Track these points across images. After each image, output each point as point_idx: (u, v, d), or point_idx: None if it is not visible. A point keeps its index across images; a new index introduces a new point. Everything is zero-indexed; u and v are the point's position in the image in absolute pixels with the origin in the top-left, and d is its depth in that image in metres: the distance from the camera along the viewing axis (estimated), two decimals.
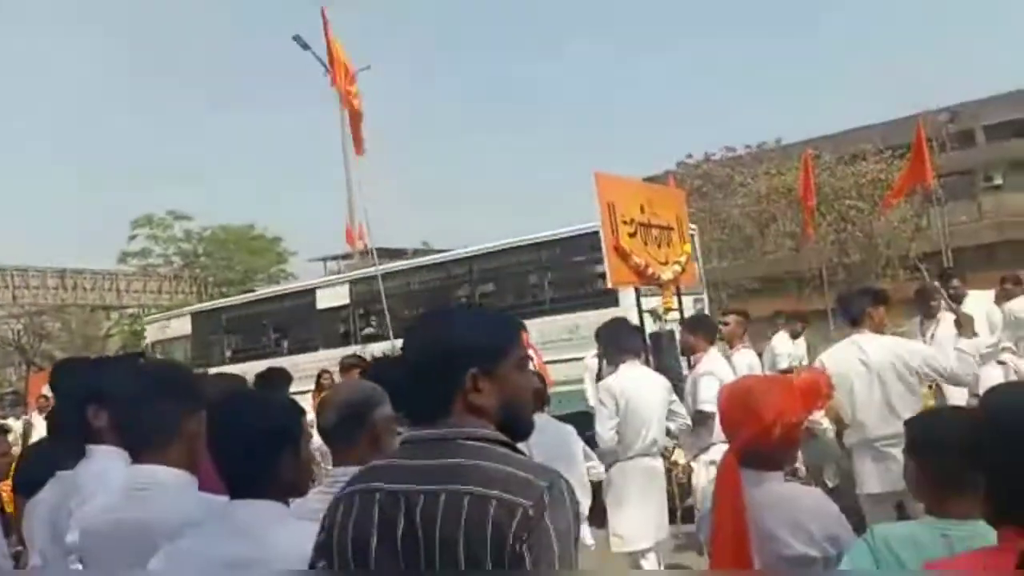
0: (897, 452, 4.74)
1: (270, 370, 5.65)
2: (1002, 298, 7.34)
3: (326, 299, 12.82)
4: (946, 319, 6.87)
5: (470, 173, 73.00)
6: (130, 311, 31.19)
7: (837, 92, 60.00)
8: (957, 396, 5.86)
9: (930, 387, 5.85)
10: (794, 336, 10.14)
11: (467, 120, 73.29)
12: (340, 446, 2.36)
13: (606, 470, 5.18)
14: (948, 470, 2.01)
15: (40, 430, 9.68)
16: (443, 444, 1.52)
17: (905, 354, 4.72)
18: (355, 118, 10.03)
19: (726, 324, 6.95)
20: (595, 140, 60.26)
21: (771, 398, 2.31)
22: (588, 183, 7.47)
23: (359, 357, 6.95)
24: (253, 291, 33.00)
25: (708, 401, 5.43)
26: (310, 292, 13.29)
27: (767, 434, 2.26)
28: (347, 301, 12.53)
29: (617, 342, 5.42)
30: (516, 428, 1.59)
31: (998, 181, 32.74)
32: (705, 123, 61.65)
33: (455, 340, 1.58)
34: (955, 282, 7.16)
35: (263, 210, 56.44)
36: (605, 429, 5.11)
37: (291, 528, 1.84)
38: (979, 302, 7.04)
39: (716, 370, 5.52)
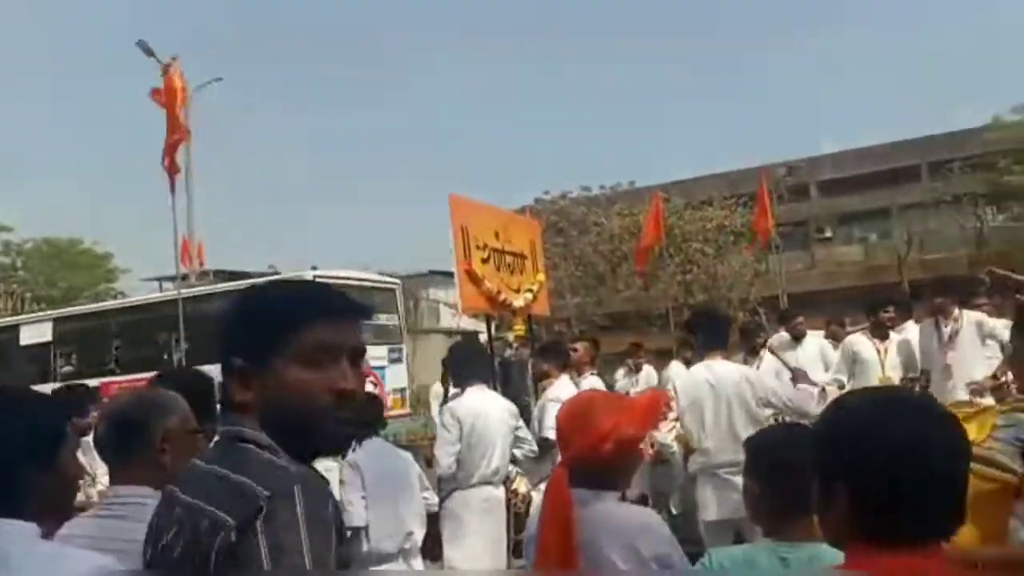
0: (738, 480, 4.82)
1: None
2: (830, 338, 7.89)
3: (29, 335, 12.38)
4: (767, 357, 7.19)
5: (320, 198, 71.46)
6: None
7: (689, 140, 63.11)
8: None
9: (776, 419, 6.01)
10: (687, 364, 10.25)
11: (324, 144, 71.96)
12: (115, 462, 2.04)
13: (443, 499, 4.95)
14: (790, 491, 1.93)
15: None
16: (218, 446, 1.32)
17: (753, 382, 4.77)
18: (174, 142, 9.57)
19: (575, 351, 6.92)
20: (452, 172, 60.52)
21: (608, 411, 2.19)
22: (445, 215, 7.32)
23: None
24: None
25: (554, 427, 5.33)
26: (13, 328, 12.90)
27: (600, 448, 2.12)
28: (49, 338, 12.10)
29: (463, 366, 5.26)
30: (301, 435, 1.34)
31: (828, 233, 35.19)
32: (562, 162, 63.23)
33: (227, 327, 1.38)
34: (798, 320, 7.56)
35: (97, 225, 53.05)
36: (445, 455, 4.89)
37: (42, 554, 1.52)
38: (815, 339, 7.60)
39: (565, 396, 5.43)
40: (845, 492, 1.33)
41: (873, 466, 1.31)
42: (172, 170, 9.58)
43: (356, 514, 4.17)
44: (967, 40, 58.78)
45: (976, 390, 6.17)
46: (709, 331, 4.96)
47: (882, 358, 7.03)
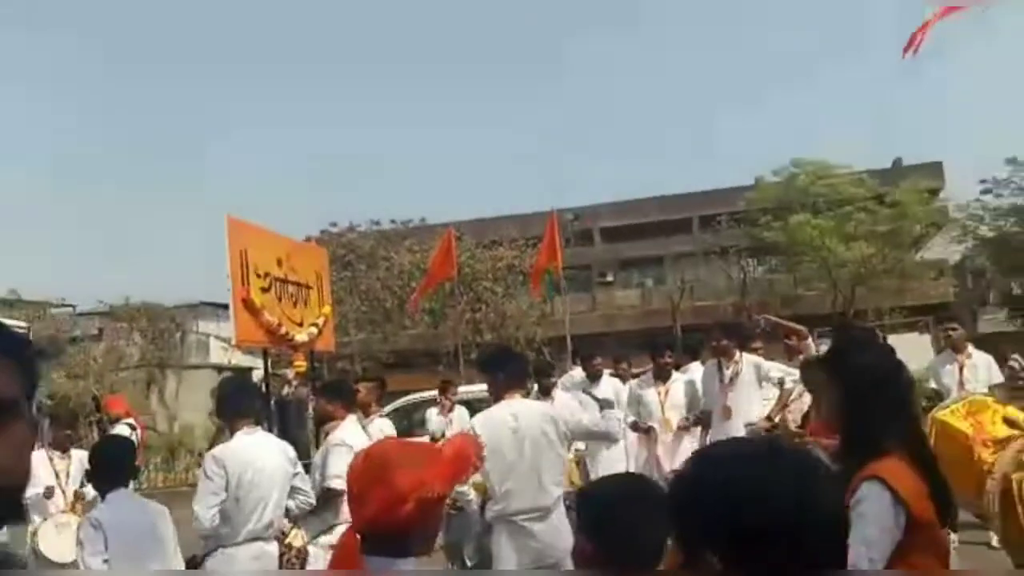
0: (538, 528, 4.56)
1: None
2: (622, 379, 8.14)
3: None
4: (559, 396, 7.19)
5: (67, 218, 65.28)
6: None
7: (481, 181, 64.27)
8: (603, 469, 6.07)
9: (577, 463, 5.86)
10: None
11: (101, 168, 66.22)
12: None
13: (202, 559, 4.26)
14: (631, 553, 1.64)
15: None
16: None
17: (556, 419, 4.51)
18: None
19: (358, 392, 6.45)
20: (230, 196, 57.27)
21: (409, 465, 1.79)
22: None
23: None
24: None
25: (338, 476, 4.83)
26: None
27: (398, 510, 1.73)
28: None
29: (233, 402, 4.62)
30: None
31: (610, 278, 36.89)
32: (352, 194, 62.07)
33: None
34: (596, 360, 7.81)
35: None
36: (205, 508, 4.20)
37: None
38: (610, 380, 7.86)
39: (351, 440, 4.97)
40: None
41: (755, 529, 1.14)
42: None
43: None
44: (734, 107, 64.57)
45: (753, 431, 6.38)
46: (509, 369, 4.67)
47: (662, 399, 7.22)
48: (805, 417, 5.75)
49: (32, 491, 6.55)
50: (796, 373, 7.24)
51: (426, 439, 8.45)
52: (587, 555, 1.76)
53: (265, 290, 7.13)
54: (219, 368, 24.84)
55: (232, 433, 4.52)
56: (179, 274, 61.95)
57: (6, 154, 58.69)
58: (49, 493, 6.41)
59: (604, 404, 4.81)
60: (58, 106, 67.18)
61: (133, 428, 9.40)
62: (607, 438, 4.86)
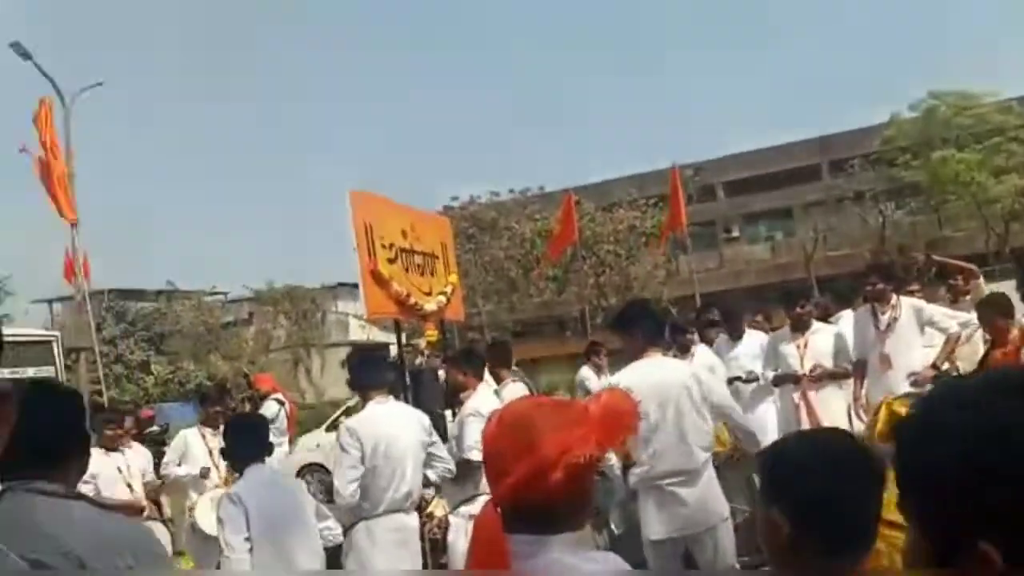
0: (686, 492, 4.29)
1: None
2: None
3: None
4: (700, 352, 6.80)
5: (219, 209, 68.82)
6: None
7: (596, 144, 63.46)
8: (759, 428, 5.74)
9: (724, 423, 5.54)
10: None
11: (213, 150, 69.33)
12: None
13: (345, 531, 4.17)
14: (838, 529, 1.36)
15: None
16: None
17: (703, 384, 4.19)
18: (57, 184, 8.79)
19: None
20: (357, 179, 58.94)
21: (555, 426, 1.54)
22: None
23: None
24: None
25: (475, 447, 4.69)
26: None
27: (546, 478, 1.49)
28: None
29: (363, 372, 4.52)
30: None
31: (735, 233, 35.71)
32: (471, 168, 62.64)
33: None
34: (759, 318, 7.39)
35: None
36: (345, 481, 4.13)
37: None
38: (755, 336, 7.28)
39: (485, 409, 4.81)
40: None
41: None
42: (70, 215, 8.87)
43: (238, 558, 3.43)
44: (863, 40, 60.91)
45: (917, 381, 5.85)
46: (646, 325, 4.36)
47: (801, 352, 6.71)
48: (982, 362, 5.20)
49: (187, 469, 6.77)
50: (962, 316, 6.61)
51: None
52: (783, 538, 1.44)
53: (391, 261, 7.06)
54: (358, 345, 25.59)
55: (364, 404, 4.44)
56: (318, 257, 64.37)
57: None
58: (205, 473, 6.55)
59: (747, 378, 4.44)
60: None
61: (281, 404, 9.66)
62: (749, 441, 4.44)
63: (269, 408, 9.35)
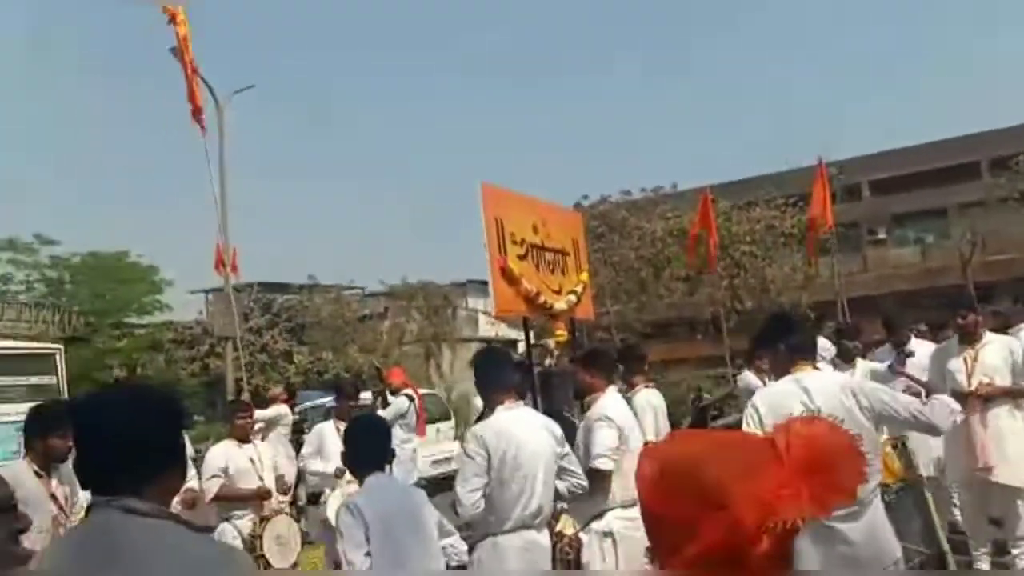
0: (850, 527, 3.67)
1: None
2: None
3: None
4: (861, 365, 6.25)
5: (355, 206, 70.97)
6: None
7: (731, 142, 61.70)
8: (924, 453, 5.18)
9: (894, 446, 4.96)
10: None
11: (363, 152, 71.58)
12: None
13: (471, 549, 3.91)
14: None
15: None
16: None
17: (855, 390, 3.72)
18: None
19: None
20: (486, 177, 59.30)
21: (743, 474, 1.18)
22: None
23: None
24: (121, 322, 30.80)
25: (603, 455, 4.37)
26: None
27: (741, 552, 1.13)
28: None
29: (492, 374, 4.24)
30: None
31: (882, 235, 33.73)
32: (602, 166, 62.11)
33: None
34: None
35: (139, 238, 53.05)
36: (467, 491, 3.86)
37: None
38: (922, 348, 6.75)
39: (614, 414, 4.50)
40: None
41: None
42: (201, 120, 9.21)
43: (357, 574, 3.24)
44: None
45: None
46: (792, 339, 3.91)
47: (968, 368, 5.96)
48: None
49: (323, 466, 6.78)
50: None
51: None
52: None
53: (522, 257, 6.85)
54: (487, 341, 25.74)
55: (492, 409, 4.18)
56: (452, 254, 65.60)
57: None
58: (340, 473, 6.48)
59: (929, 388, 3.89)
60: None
61: (412, 399, 9.63)
62: (931, 431, 3.92)
63: (400, 403, 9.34)
